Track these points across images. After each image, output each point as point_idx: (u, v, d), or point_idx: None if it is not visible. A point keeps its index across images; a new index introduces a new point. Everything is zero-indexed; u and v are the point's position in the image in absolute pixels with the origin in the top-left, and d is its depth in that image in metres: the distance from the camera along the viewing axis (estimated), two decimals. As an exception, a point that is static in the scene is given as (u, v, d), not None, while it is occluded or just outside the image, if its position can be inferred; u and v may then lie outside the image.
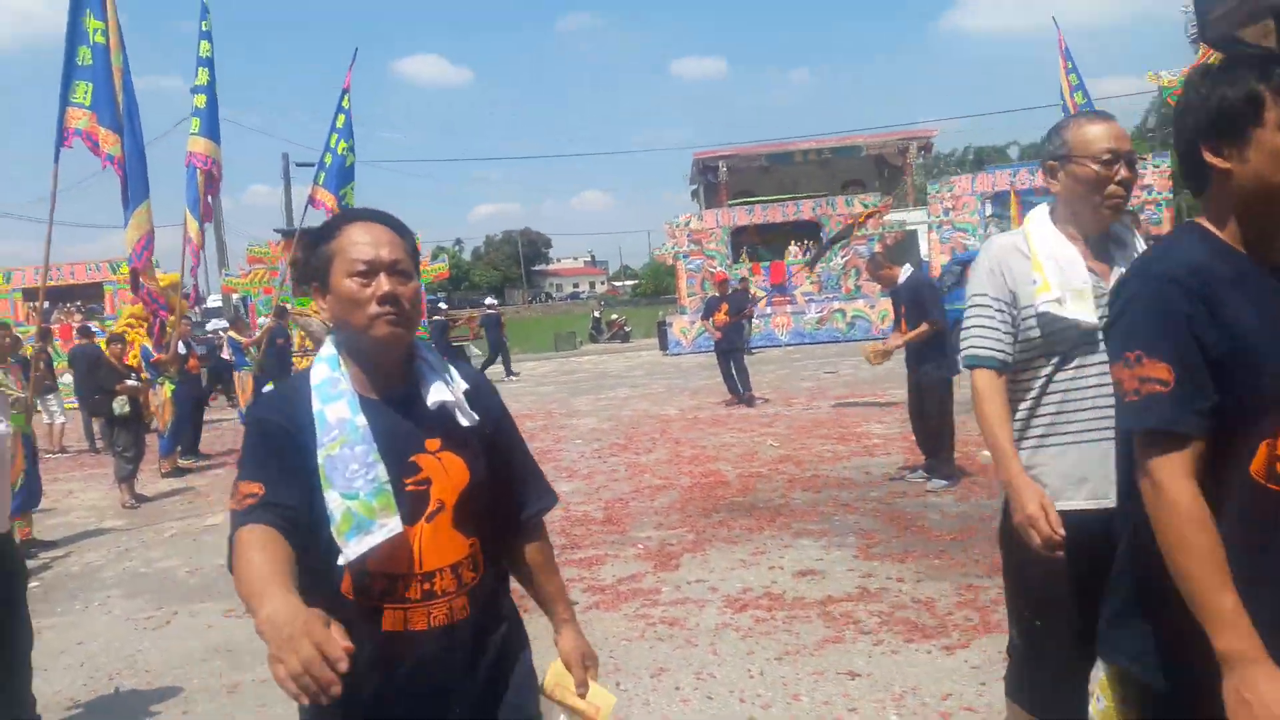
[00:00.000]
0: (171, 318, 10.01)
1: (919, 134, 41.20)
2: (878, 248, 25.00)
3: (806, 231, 26.24)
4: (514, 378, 21.00)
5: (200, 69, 10.09)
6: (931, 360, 7.15)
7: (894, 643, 4.18)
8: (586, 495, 7.79)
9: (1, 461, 3.67)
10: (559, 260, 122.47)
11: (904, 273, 7.31)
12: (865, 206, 25.66)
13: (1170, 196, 23.11)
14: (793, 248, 26.22)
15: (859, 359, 19.25)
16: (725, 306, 12.90)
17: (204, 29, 10.07)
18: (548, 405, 15.11)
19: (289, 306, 16.97)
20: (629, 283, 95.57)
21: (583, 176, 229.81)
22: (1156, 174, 23.12)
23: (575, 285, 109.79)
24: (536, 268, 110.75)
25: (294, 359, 14.18)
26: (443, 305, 23.67)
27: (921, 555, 5.40)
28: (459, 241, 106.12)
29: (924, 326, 7.01)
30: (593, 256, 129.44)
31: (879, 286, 24.21)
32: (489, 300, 24.77)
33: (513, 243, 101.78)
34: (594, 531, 6.56)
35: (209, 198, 9.97)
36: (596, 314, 37.55)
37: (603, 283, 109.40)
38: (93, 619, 5.57)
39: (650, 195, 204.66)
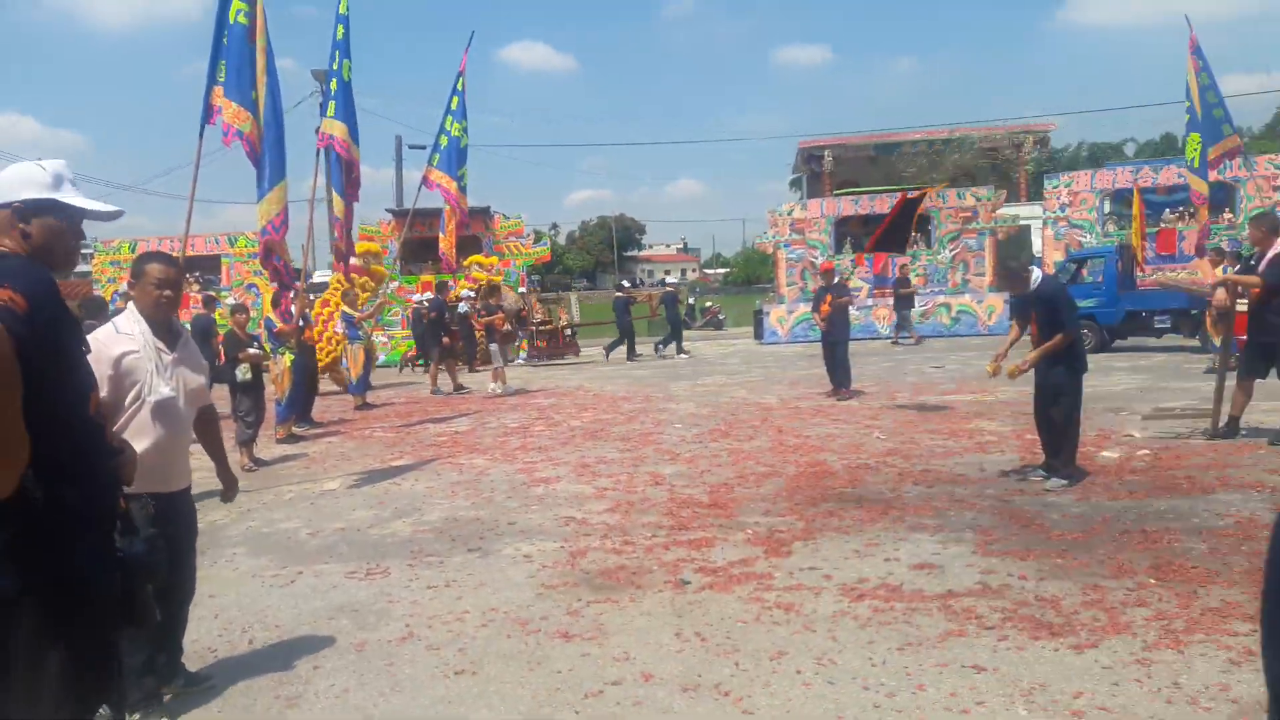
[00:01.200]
0: (299, 285, 10.44)
1: (1035, 127, 39.99)
2: (1001, 234, 24.34)
3: (916, 223, 25.67)
4: (685, 355, 21.74)
5: (336, 52, 10.41)
6: (1063, 362, 6.95)
7: (1019, 639, 4.10)
8: (690, 479, 7.82)
9: (178, 420, 3.77)
10: (651, 247, 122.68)
11: (1035, 277, 7.10)
12: (978, 200, 25.01)
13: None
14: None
15: (965, 354, 18.99)
16: (830, 297, 12.75)
17: (341, 12, 10.37)
18: (645, 389, 15.19)
19: (462, 282, 17.71)
20: (721, 270, 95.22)
21: (678, 164, 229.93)
22: (1291, 173, 21.94)
23: (667, 272, 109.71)
24: (629, 253, 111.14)
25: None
26: (625, 284, 24.84)
27: (1043, 554, 5.27)
28: (554, 225, 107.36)
29: (1060, 339, 6.83)
30: (685, 244, 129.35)
31: (986, 282, 23.61)
32: (668, 279, 25.25)
33: (606, 228, 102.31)
34: (700, 514, 6.59)
35: (353, 177, 10.32)
36: (691, 299, 37.55)
37: (694, 270, 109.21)
38: (221, 574, 5.85)
39: (746, 184, 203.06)
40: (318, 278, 35.31)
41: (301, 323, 11.43)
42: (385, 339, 22.19)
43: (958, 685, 3.69)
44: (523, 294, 24.89)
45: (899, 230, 11.87)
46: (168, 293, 3.76)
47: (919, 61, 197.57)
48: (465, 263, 20.37)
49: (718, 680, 3.86)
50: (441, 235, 15.66)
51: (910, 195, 11.99)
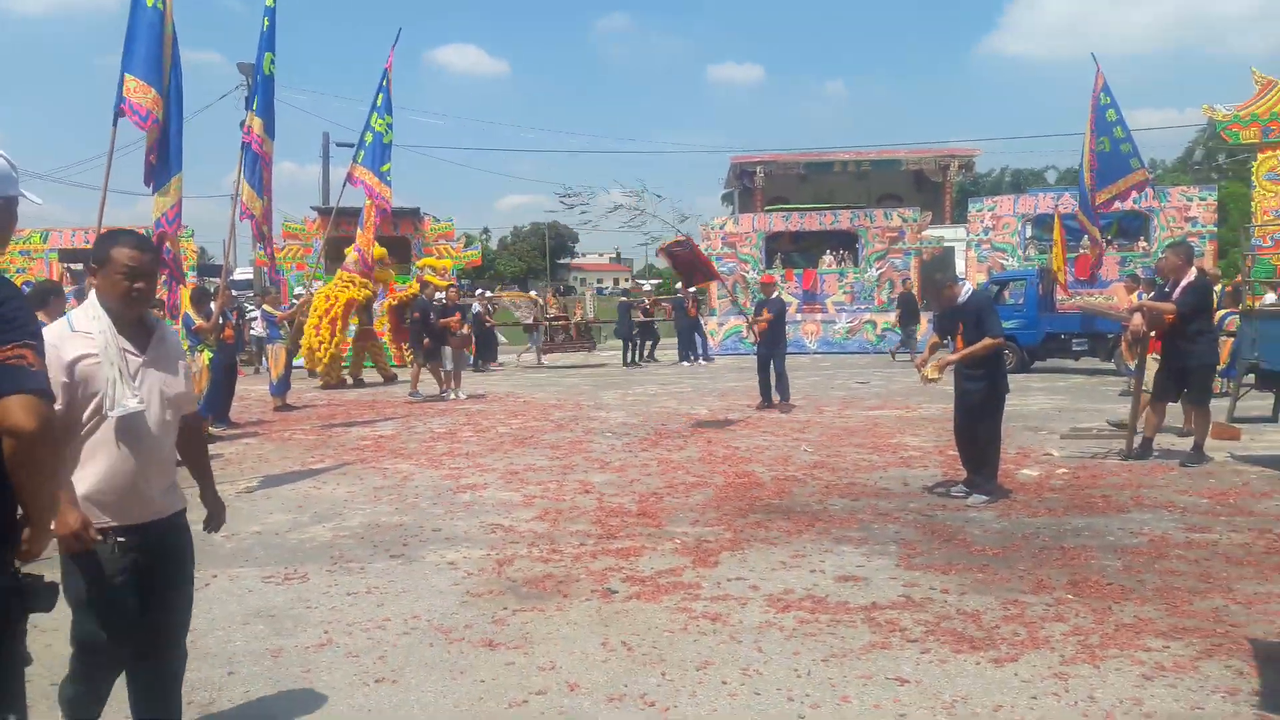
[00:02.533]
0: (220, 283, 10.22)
1: (961, 152, 41.02)
2: (926, 255, 24.88)
3: (842, 241, 26.16)
4: (689, 363, 22.03)
5: (264, 50, 10.24)
6: (986, 378, 7.11)
7: (941, 652, 4.16)
8: (619, 488, 7.81)
9: (148, 437, 3.05)
10: (584, 255, 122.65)
11: (964, 291, 7.28)
12: (904, 220, 25.55)
13: (1214, 230, 22.89)
14: (828, 257, 26.13)
15: (891, 369, 19.37)
16: (767, 311, 12.88)
17: (268, 4, 10.19)
18: (576, 397, 15.14)
19: (411, 284, 17.73)
20: (653, 282, 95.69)
21: (612, 173, 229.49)
22: (1202, 207, 22.94)
23: (599, 281, 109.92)
24: (561, 260, 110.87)
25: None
26: (638, 284, 25.76)
27: (964, 568, 5.37)
28: (486, 230, 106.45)
29: (988, 341, 6.97)
30: (618, 253, 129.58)
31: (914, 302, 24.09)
32: (680, 286, 25.13)
33: (539, 235, 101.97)
34: (629, 523, 6.57)
35: (265, 175, 10.16)
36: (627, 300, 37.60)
37: (626, 279, 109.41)
38: (131, 577, 5.63)
39: (680, 197, 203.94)
40: (239, 275, 34.54)
41: (221, 320, 11.12)
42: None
43: (881, 697, 3.72)
44: (538, 291, 25.31)
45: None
46: (139, 285, 3.00)
47: (849, 84, 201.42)
48: (420, 264, 20.17)
49: (643, 690, 3.84)
50: (359, 230, 15.38)
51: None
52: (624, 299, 23.58)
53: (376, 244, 18.63)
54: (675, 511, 6.93)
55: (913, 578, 5.23)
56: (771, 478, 8.14)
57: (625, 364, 21.83)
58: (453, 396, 14.96)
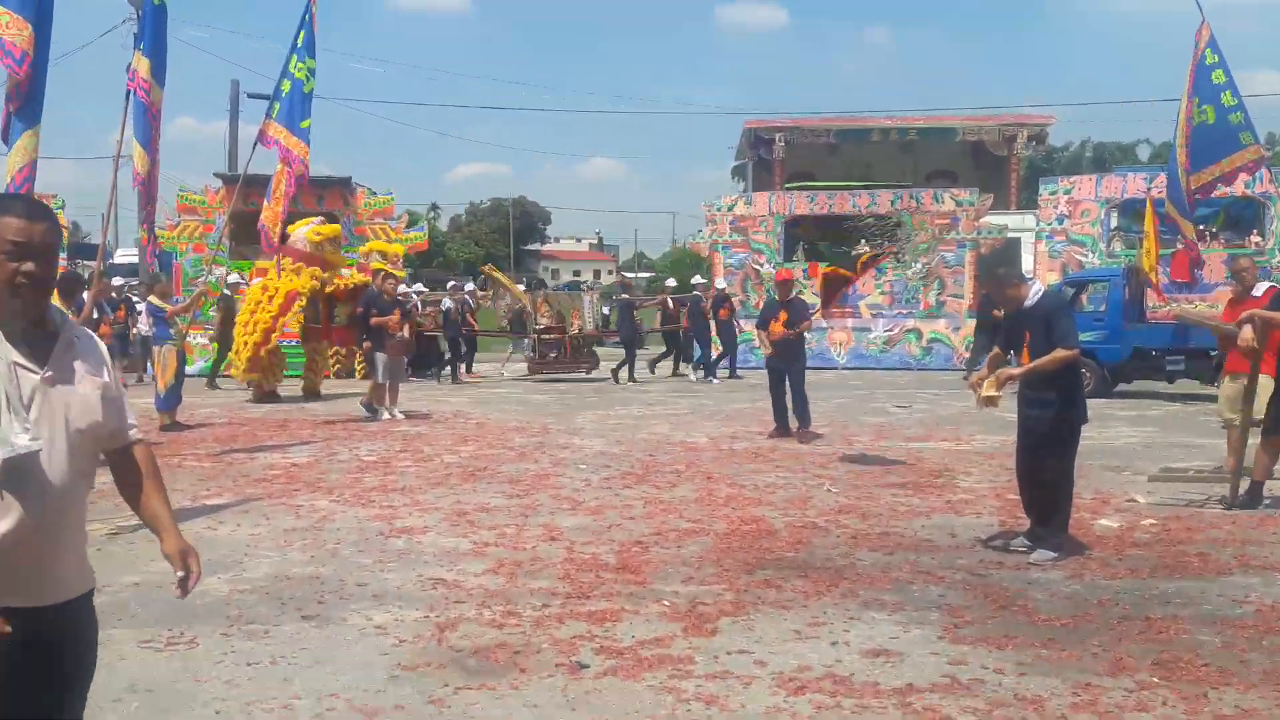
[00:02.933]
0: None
1: (1032, 119, 41.33)
2: (985, 248, 25.03)
3: (881, 229, 26.30)
4: (634, 382, 21.73)
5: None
6: (1057, 404, 7.13)
7: (993, 748, 4.18)
8: (595, 534, 7.83)
9: (47, 487, 2.71)
10: (557, 240, 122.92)
11: (1033, 292, 7.30)
12: (958, 204, 25.73)
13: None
14: (863, 248, 26.24)
15: (935, 391, 19.48)
16: (784, 315, 12.93)
17: None
18: (543, 419, 15.18)
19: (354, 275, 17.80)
20: (643, 275, 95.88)
21: (595, 139, 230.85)
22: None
23: (576, 273, 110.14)
24: (529, 246, 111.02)
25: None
26: (625, 277, 25.91)
27: (1024, 642, 5.40)
28: (434, 207, 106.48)
29: (1060, 353, 6.99)
30: (600, 238, 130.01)
31: (965, 306, 24.19)
32: (698, 280, 24.98)
33: (502, 214, 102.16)
34: (605, 580, 6.58)
35: (153, 130, 10.18)
36: (605, 309, 37.68)
37: (610, 271, 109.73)
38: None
39: (678, 170, 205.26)
40: (120, 257, 34.47)
41: (96, 315, 11.11)
42: (206, 340, 21.78)
43: (917, 804, 3.74)
44: (528, 293, 25.21)
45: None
46: (32, 268, 2.66)
47: (894, 33, 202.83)
48: (364, 249, 20.20)
49: (619, 792, 3.84)
50: (266, 203, 15.24)
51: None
52: (623, 296, 23.53)
53: (327, 221, 18.76)
54: (664, 565, 6.94)
55: (959, 653, 5.25)
56: (786, 524, 8.17)
57: (622, 380, 21.59)
58: (386, 416, 14.95)
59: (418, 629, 5.68)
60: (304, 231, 17.99)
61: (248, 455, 11.77)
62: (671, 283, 24.82)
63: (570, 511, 8.69)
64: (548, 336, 23.26)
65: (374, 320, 15.14)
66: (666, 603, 6.09)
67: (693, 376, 22.13)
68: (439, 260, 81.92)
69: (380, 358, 15.10)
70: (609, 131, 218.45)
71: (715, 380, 21.67)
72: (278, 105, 13.62)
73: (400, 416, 15.03)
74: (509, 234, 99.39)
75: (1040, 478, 7.26)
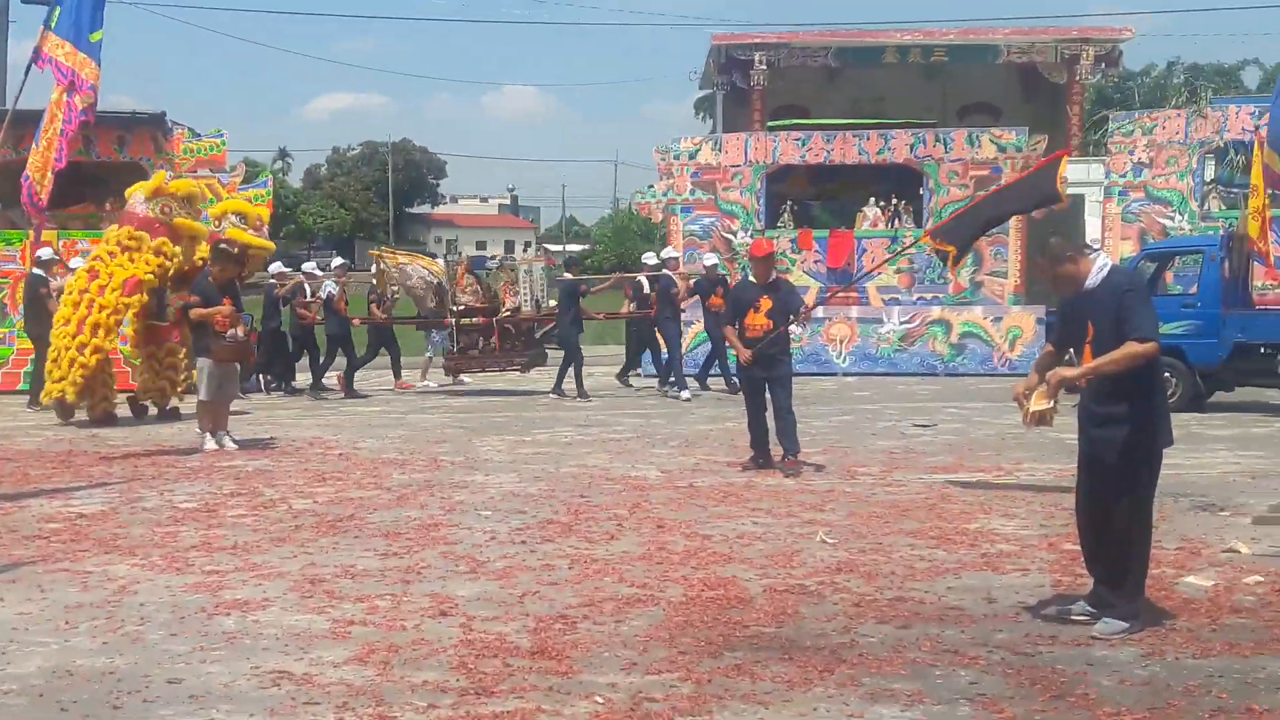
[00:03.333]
0: None
1: (1099, 33, 41.69)
2: (1037, 211, 25.23)
3: (897, 183, 26.48)
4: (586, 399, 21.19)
5: None
6: (1132, 418, 7.17)
7: None
8: (502, 606, 7.79)
9: None
10: (455, 200, 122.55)
11: (1098, 268, 7.33)
12: (1001, 149, 25.92)
13: None
14: (871, 209, 26.47)
15: (969, 404, 19.50)
16: (765, 303, 12.89)
17: None
18: (433, 447, 15.16)
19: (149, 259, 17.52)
20: (575, 247, 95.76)
21: (506, 61, 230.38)
22: None
23: (482, 245, 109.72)
24: (416, 208, 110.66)
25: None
26: (547, 249, 25.19)
27: (1087, 746, 5.45)
28: (284, 154, 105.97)
29: (1133, 348, 7.00)
30: (514, 197, 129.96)
31: (1010, 288, 24.41)
32: (648, 258, 24.35)
33: (378, 164, 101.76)
34: (516, 669, 6.55)
35: None
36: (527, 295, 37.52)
37: (529, 243, 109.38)
38: None
39: (626, 104, 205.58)
40: None
41: None
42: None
43: None
44: (449, 262, 24.54)
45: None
46: None
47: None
48: (214, 211, 19.87)
49: None
50: (35, 146, 14.81)
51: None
52: (565, 276, 22.92)
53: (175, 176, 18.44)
54: (597, 648, 6.91)
55: (999, 763, 5.28)
56: (764, 589, 8.16)
57: (569, 393, 21.26)
58: (213, 446, 14.82)
59: (252, 742, 5.61)
60: (145, 186, 17.74)
61: (15, 504, 11.59)
62: (651, 258, 23.59)
63: (468, 576, 8.62)
64: (469, 322, 22.73)
65: (194, 313, 14.98)
66: (600, 699, 6.07)
67: (685, 394, 20.93)
68: (289, 228, 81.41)
69: (205, 365, 14.91)
70: (528, 50, 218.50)
71: (686, 395, 20.99)
72: (58, 11, 13.47)
73: (233, 447, 14.89)
74: (387, 191, 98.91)
75: (1108, 523, 7.31)
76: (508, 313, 22.77)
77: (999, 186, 13.02)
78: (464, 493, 11.95)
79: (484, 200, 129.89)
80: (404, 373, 24.28)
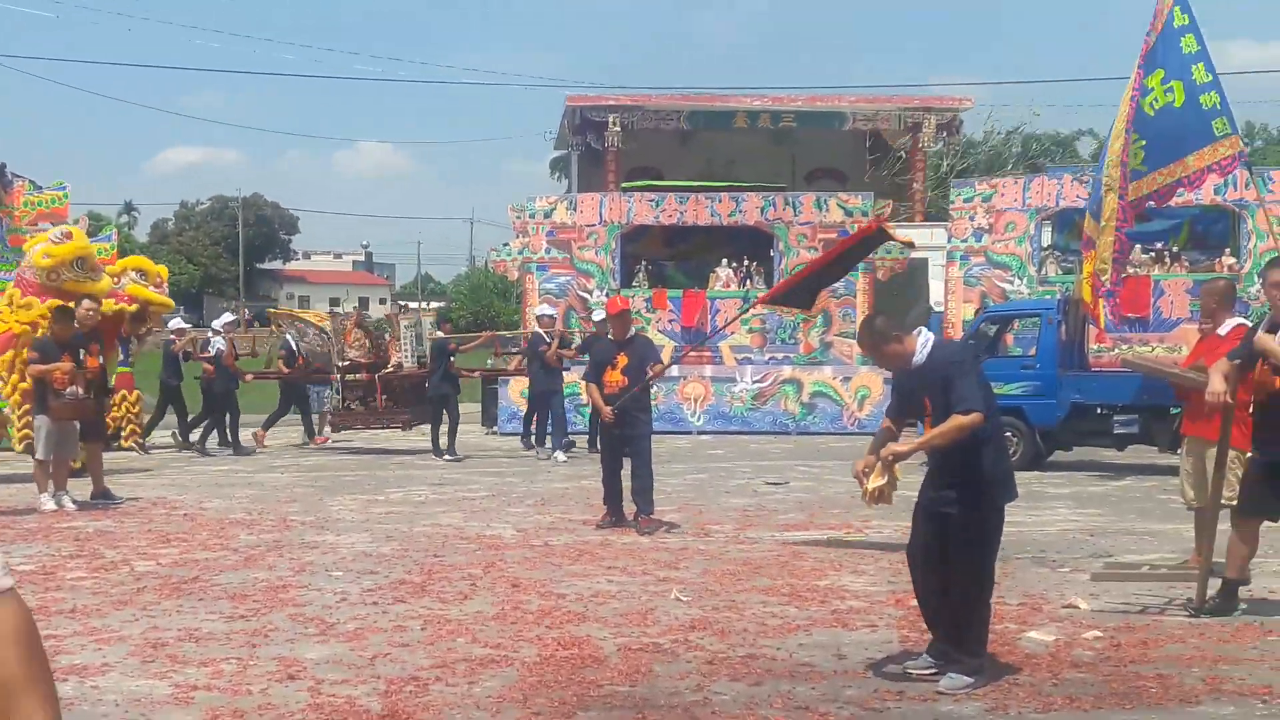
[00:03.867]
0: None
1: (939, 102, 42.68)
2: (883, 272, 25.66)
3: (748, 244, 26.81)
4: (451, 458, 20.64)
5: None
6: (969, 483, 7.30)
7: None
8: (353, 669, 7.68)
9: None
10: (308, 255, 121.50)
11: (922, 345, 7.48)
12: (848, 213, 26.40)
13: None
14: (724, 270, 26.75)
15: (819, 463, 19.75)
16: (622, 359, 12.95)
17: None
18: (283, 506, 14.92)
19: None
20: (432, 304, 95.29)
21: (363, 116, 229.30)
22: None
23: (336, 302, 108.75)
24: (269, 264, 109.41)
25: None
26: (403, 306, 24.45)
27: (934, 803, 5.48)
28: (130, 207, 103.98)
29: (958, 420, 7.13)
30: (369, 254, 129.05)
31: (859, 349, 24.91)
32: (544, 309, 22.77)
33: (228, 218, 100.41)
34: (366, 734, 6.44)
35: None
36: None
37: (384, 300, 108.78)
38: None
39: (481, 162, 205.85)
40: None
41: None
42: None
43: None
44: (336, 315, 24.03)
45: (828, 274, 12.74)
46: None
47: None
48: (116, 268, 19.37)
49: None
50: None
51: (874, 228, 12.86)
52: (437, 334, 22.41)
53: (65, 238, 18.04)
54: (450, 710, 6.85)
55: (848, 822, 5.29)
56: (619, 648, 8.14)
57: (444, 454, 20.67)
58: (52, 506, 14.43)
59: (89, 813, 5.43)
60: (35, 252, 17.35)
61: None
62: (548, 310, 22.49)
63: (318, 638, 8.48)
64: (354, 378, 22.38)
65: (31, 370, 14.64)
66: (450, 764, 5.99)
67: (561, 456, 20.40)
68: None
69: (42, 423, 14.56)
70: (382, 106, 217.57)
71: (562, 457, 20.43)
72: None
73: (72, 507, 14.52)
74: (237, 247, 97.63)
75: (950, 581, 7.40)
76: (391, 369, 22.50)
77: (827, 254, 13.22)
78: (314, 553, 11.79)
79: (338, 256, 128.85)
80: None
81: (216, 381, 22.15)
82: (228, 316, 26.04)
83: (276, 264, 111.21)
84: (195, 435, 22.34)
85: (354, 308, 27.01)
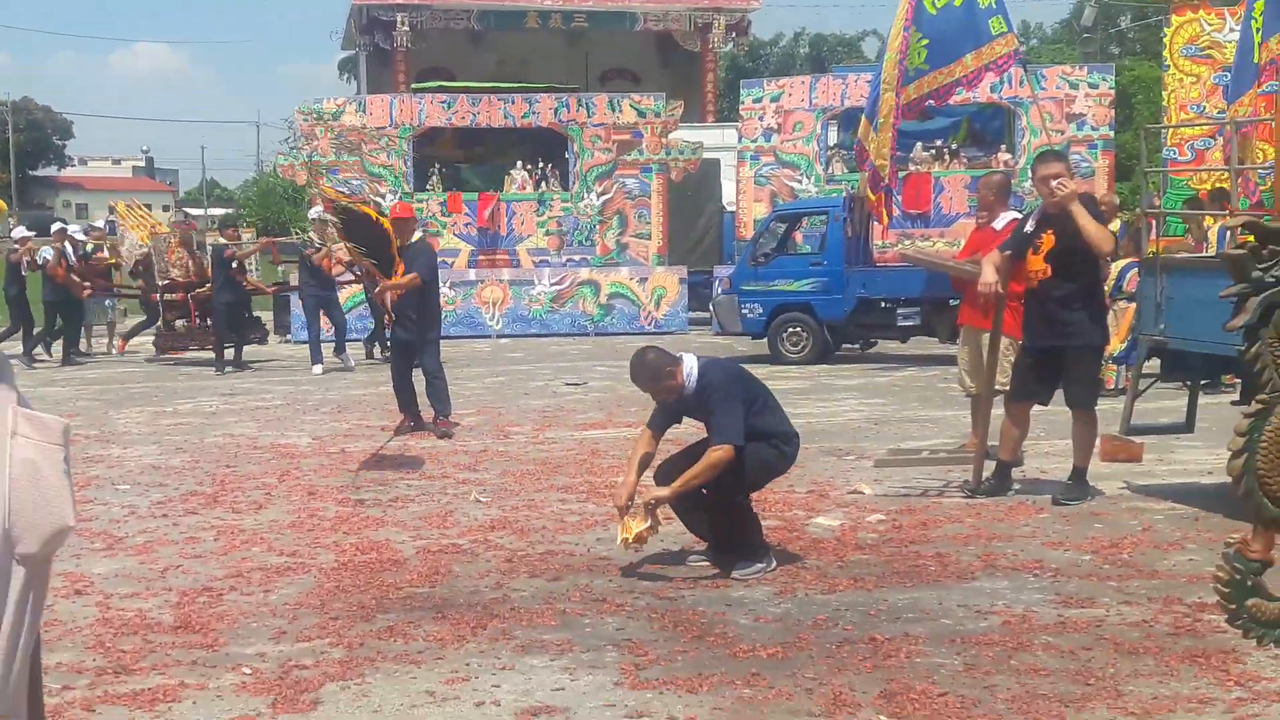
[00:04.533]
0: None
1: (728, 3, 42.84)
2: (675, 173, 25.82)
3: (543, 146, 26.70)
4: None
5: None
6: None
7: (684, 823, 4.34)
8: (143, 582, 7.56)
9: None
10: (84, 162, 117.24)
11: (686, 372, 7.57)
12: (641, 115, 26.43)
13: (1110, 134, 25.33)
14: (519, 173, 26.60)
15: (617, 363, 19.60)
16: (402, 266, 12.86)
17: None
18: (66, 420, 14.49)
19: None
20: (217, 211, 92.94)
21: (139, 17, 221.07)
22: (1093, 98, 25.14)
23: (111, 208, 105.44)
24: (42, 171, 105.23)
25: None
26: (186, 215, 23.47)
27: (723, 680, 5.64)
28: None
29: (713, 455, 7.25)
30: (150, 159, 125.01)
31: (654, 248, 24.98)
32: (315, 213, 20.78)
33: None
34: (158, 644, 6.36)
35: None
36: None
37: (167, 206, 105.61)
38: None
39: (267, 62, 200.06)
40: None
41: None
42: None
43: None
44: (163, 227, 23.10)
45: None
46: None
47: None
48: None
49: None
50: None
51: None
52: (220, 242, 21.54)
53: None
54: (245, 619, 6.79)
55: (642, 701, 5.42)
56: (418, 550, 8.16)
57: (223, 368, 19.95)
58: None
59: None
60: None
61: None
62: (319, 213, 20.55)
63: (105, 553, 8.31)
64: (171, 297, 21.58)
65: None
66: (248, 670, 5.95)
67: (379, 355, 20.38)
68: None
69: None
70: (159, 4, 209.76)
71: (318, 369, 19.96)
72: None
73: None
74: (7, 153, 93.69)
75: (721, 501, 7.58)
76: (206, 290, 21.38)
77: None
78: (99, 466, 11.50)
79: (117, 162, 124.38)
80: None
81: (46, 292, 21.56)
82: (56, 225, 24.19)
83: (51, 170, 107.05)
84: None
85: (176, 221, 25.50)
